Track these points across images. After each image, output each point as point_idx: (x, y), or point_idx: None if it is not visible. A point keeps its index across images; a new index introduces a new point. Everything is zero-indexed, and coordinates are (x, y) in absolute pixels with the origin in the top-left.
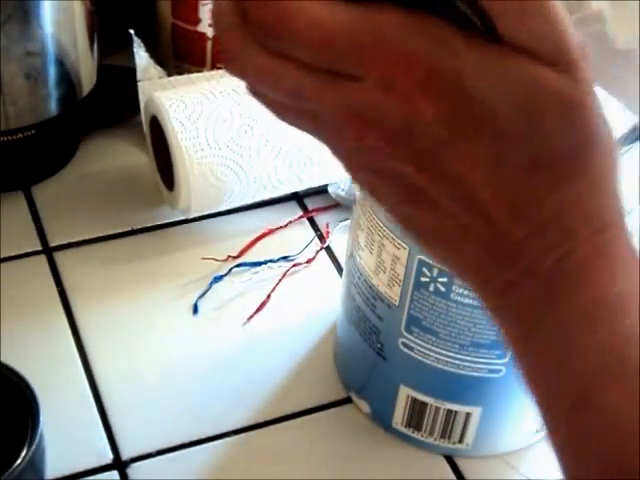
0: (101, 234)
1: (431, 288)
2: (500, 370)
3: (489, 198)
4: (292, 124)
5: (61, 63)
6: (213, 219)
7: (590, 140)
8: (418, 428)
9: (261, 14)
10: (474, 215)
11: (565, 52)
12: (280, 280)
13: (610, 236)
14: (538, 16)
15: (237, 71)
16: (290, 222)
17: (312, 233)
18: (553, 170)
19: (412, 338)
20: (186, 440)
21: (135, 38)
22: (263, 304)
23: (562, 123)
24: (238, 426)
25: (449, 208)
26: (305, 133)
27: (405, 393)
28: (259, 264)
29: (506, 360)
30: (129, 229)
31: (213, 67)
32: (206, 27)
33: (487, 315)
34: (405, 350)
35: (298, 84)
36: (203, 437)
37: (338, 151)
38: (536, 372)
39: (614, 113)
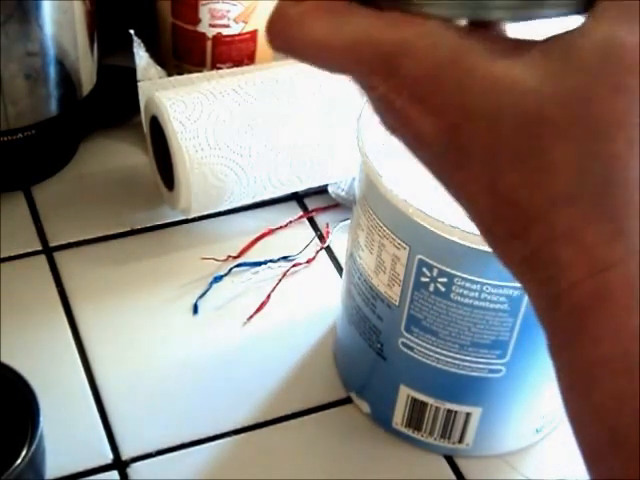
0: (101, 234)
1: (431, 288)
2: (500, 370)
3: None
4: None
5: (61, 63)
6: (213, 219)
7: None
8: (418, 428)
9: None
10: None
11: None
12: (280, 280)
13: (613, 276)
14: None
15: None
16: (290, 222)
17: (312, 233)
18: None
19: (412, 338)
20: (186, 440)
21: (135, 38)
22: (263, 304)
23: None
24: (238, 426)
25: None
26: None
27: (405, 393)
28: (259, 264)
29: (506, 360)
30: (129, 229)
31: (213, 67)
32: (206, 27)
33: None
34: (405, 350)
35: None
36: (203, 437)
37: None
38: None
39: None
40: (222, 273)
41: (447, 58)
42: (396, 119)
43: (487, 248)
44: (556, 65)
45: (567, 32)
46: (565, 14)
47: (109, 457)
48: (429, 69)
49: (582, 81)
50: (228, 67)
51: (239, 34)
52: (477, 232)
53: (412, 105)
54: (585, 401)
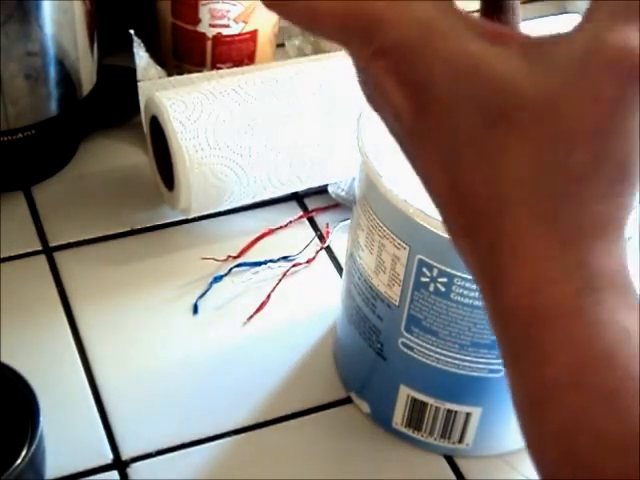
0: (101, 234)
1: (431, 288)
2: (500, 370)
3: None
4: None
5: (61, 63)
6: (213, 219)
7: None
8: (418, 428)
9: None
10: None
11: None
12: (280, 280)
13: (552, 293)
14: None
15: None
16: (290, 222)
17: (312, 233)
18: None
19: (412, 338)
20: (186, 440)
21: (135, 38)
22: (263, 304)
23: None
24: (238, 426)
25: None
26: None
27: (405, 393)
28: (259, 264)
29: None
30: (129, 229)
31: (213, 67)
32: (206, 27)
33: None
34: (405, 350)
35: None
36: (203, 437)
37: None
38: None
39: None
40: (222, 273)
41: (423, 30)
42: (375, 91)
43: None
44: (534, 62)
45: (557, 34)
46: None
47: (109, 457)
48: (404, 39)
49: (556, 84)
50: (228, 67)
51: (239, 34)
52: None
53: (388, 76)
54: (539, 419)
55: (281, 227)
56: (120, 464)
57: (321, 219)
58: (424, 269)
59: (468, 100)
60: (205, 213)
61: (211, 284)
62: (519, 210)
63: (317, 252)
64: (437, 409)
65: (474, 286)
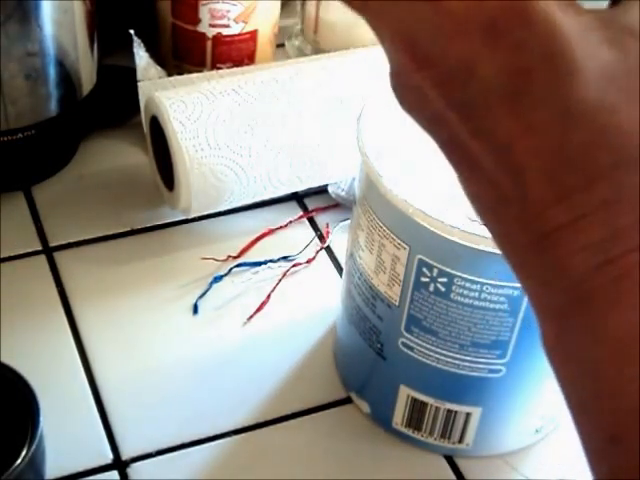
0: (101, 234)
1: (431, 288)
2: (500, 370)
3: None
4: None
5: (61, 63)
6: (213, 219)
7: None
8: (418, 428)
9: None
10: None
11: None
12: (280, 280)
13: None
14: None
15: None
16: (290, 222)
17: (312, 233)
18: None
19: (412, 338)
20: (186, 440)
21: (135, 38)
22: (263, 304)
23: None
24: (238, 426)
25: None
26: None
27: (405, 393)
28: (259, 264)
29: (506, 360)
30: (129, 229)
31: (213, 67)
32: (206, 27)
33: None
34: (405, 350)
35: None
36: (203, 437)
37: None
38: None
39: None
40: (222, 273)
41: None
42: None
43: (487, 248)
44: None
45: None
46: None
47: (109, 457)
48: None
49: None
50: (228, 67)
51: (239, 34)
52: (477, 232)
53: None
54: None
55: (281, 227)
56: (120, 464)
57: (321, 219)
58: (424, 269)
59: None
60: (205, 213)
61: (211, 284)
62: (631, 171)
63: (317, 252)
64: (437, 409)
65: (474, 286)
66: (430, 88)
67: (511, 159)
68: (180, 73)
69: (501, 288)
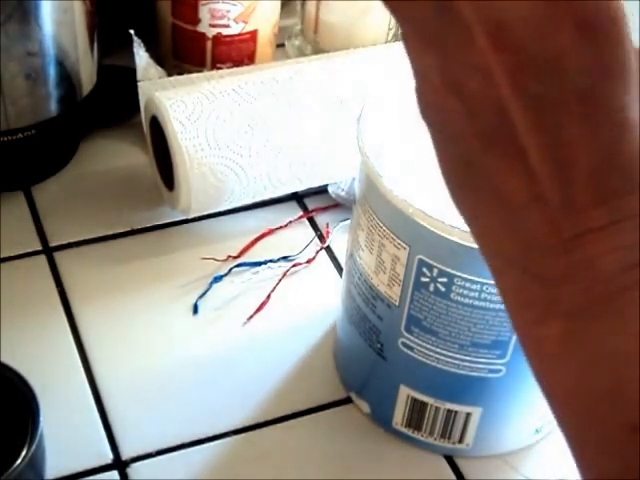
0: (101, 234)
1: (431, 288)
2: (500, 370)
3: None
4: None
5: (61, 63)
6: (213, 219)
7: None
8: (418, 428)
9: None
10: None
11: None
12: (280, 280)
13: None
14: None
15: None
16: (290, 222)
17: (312, 233)
18: None
19: (412, 338)
20: (186, 440)
21: (135, 38)
22: (263, 304)
23: None
24: (238, 426)
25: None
26: None
27: (405, 393)
28: (259, 264)
29: (506, 360)
30: (129, 229)
31: (213, 67)
32: (206, 27)
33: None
34: (405, 350)
35: None
36: (203, 437)
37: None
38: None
39: None
40: (222, 273)
41: None
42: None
43: None
44: None
45: None
46: None
47: (109, 457)
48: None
49: None
50: (228, 67)
51: (239, 34)
52: None
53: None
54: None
55: (281, 227)
56: (120, 464)
57: (321, 219)
58: (424, 269)
59: None
60: (205, 213)
61: (211, 284)
62: None
63: (317, 252)
64: (437, 409)
65: (474, 286)
66: (503, 73)
67: (564, 155)
68: (180, 73)
69: None
